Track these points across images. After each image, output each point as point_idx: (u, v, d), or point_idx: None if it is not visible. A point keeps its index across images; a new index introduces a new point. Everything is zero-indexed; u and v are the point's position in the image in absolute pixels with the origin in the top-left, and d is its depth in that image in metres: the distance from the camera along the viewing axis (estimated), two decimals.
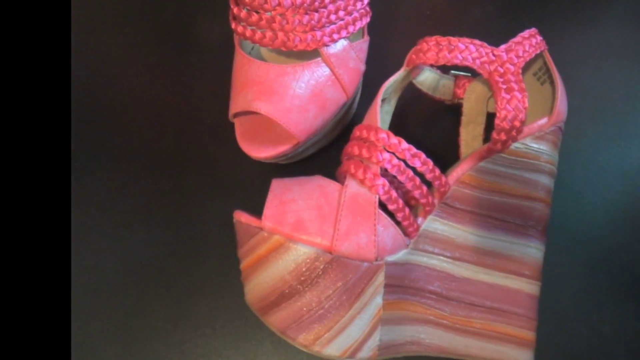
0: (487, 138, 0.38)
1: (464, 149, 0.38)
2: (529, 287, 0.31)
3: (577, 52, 0.41)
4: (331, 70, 0.32)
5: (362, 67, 0.34)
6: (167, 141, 0.40)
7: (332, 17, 0.31)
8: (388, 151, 0.29)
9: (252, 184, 0.38)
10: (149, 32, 0.45)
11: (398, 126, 0.37)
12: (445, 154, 0.38)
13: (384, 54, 0.40)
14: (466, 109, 0.38)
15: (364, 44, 0.34)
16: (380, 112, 0.34)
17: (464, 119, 0.38)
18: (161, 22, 0.45)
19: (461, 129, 0.38)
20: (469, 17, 0.42)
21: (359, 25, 0.32)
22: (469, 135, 0.38)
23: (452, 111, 0.39)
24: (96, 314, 0.35)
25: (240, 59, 0.32)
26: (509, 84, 0.30)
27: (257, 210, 0.31)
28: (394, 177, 0.31)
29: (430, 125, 0.39)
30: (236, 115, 0.33)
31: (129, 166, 0.40)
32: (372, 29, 0.40)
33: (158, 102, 0.42)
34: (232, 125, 0.35)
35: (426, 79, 0.36)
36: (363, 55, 0.34)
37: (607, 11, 0.42)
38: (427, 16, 0.42)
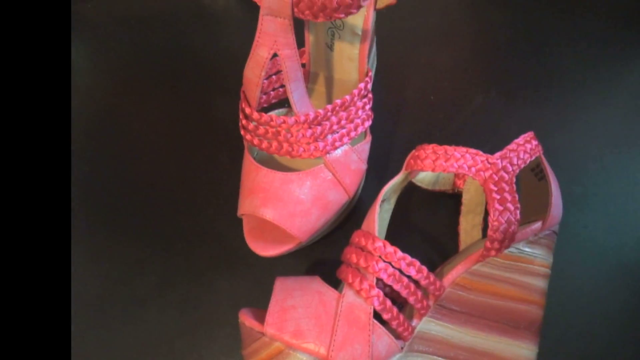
0: (486, 226, 0.39)
1: (463, 237, 0.39)
2: None
3: (579, 139, 0.42)
4: (333, 174, 0.34)
5: (364, 167, 0.36)
6: (181, 219, 0.43)
7: (335, 127, 0.33)
8: (384, 260, 0.31)
9: (259, 261, 0.40)
10: (169, 106, 0.48)
11: (401, 213, 0.39)
12: (445, 242, 0.39)
13: (390, 137, 0.43)
14: (466, 199, 0.39)
15: (365, 145, 0.36)
16: (381, 211, 0.36)
17: (463, 208, 0.39)
18: (180, 97, 0.48)
19: (461, 218, 0.39)
20: (472, 102, 0.44)
21: (360, 130, 0.34)
22: (469, 224, 0.39)
23: (453, 198, 0.40)
24: None
25: (249, 164, 0.34)
26: (503, 194, 0.31)
27: (263, 287, 0.35)
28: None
29: (431, 212, 0.40)
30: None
31: (144, 244, 0.42)
32: (379, 111, 0.42)
33: (174, 178, 0.45)
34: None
35: (425, 176, 0.37)
36: (365, 155, 0.36)
37: (609, 98, 0.43)
38: (431, 101, 0.44)
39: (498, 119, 0.43)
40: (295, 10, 0.27)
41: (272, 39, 0.28)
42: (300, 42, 0.37)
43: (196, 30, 0.52)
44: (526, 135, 0.34)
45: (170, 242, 0.42)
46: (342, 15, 0.27)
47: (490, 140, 0.42)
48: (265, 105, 0.37)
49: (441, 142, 0.42)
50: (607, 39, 0.46)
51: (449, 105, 0.44)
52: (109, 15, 0.55)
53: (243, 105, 0.33)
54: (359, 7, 0.27)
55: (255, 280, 0.39)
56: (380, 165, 0.40)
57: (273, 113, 0.38)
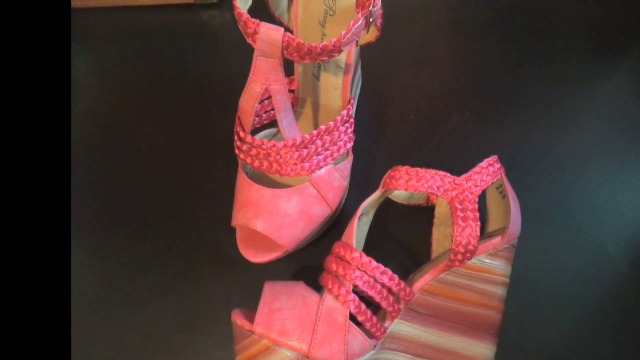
0: None
1: (435, 247, 0.43)
2: None
3: (543, 159, 0.46)
4: (317, 191, 0.38)
5: (345, 184, 0.40)
6: (179, 224, 0.46)
7: (319, 149, 0.37)
8: (360, 269, 0.35)
9: (250, 265, 0.44)
10: (168, 118, 0.52)
11: (379, 224, 0.43)
12: (419, 251, 0.44)
13: (371, 149, 0.47)
14: (438, 212, 0.43)
15: (347, 163, 0.40)
16: (360, 224, 0.40)
17: (435, 221, 0.43)
18: (178, 110, 0.52)
19: (433, 229, 0.43)
20: (448, 121, 0.48)
21: (342, 151, 0.38)
22: (441, 235, 0.43)
23: (427, 211, 0.44)
24: None
25: (242, 180, 0.38)
26: (466, 213, 0.36)
27: (253, 289, 0.39)
28: None
29: (407, 223, 0.44)
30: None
31: (146, 247, 0.46)
32: (362, 129, 0.46)
33: (172, 186, 0.48)
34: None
35: (401, 193, 0.41)
36: (346, 173, 0.40)
37: (573, 123, 0.47)
38: (410, 120, 0.48)
39: (471, 138, 0.47)
40: (285, 52, 0.31)
41: (264, 76, 0.32)
42: (290, 71, 0.41)
43: (194, 46, 0.56)
44: (490, 159, 0.38)
45: (169, 245, 0.45)
46: (326, 58, 0.31)
47: (464, 158, 0.46)
48: (258, 125, 0.41)
49: (418, 159, 0.47)
50: (574, 67, 0.50)
51: (426, 124, 0.48)
52: (113, 28, 0.58)
53: (238, 129, 0.37)
54: (340, 51, 0.31)
55: (246, 283, 0.43)
56: (362, 181, 0.44)
57: (264, 132, 0.42)
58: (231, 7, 0.57)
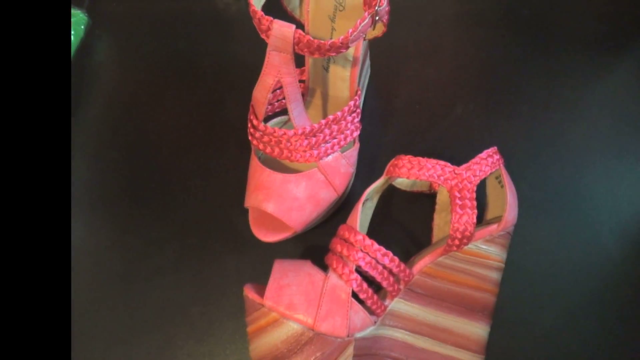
0: None
1: (436, 232, 0.45)
2: (475, 359, 0.39)
3: (543, 150, 0.48)
4: (325, 176, 0.40)
5: (352, 170, 0.43)
6: (195, 204, 0.49)
7: (327, 138, 0.39)
8: (363, 251, 0.37)
9: (261, 244, 0.47)
10: (185, 102, 0.54)
11: (384, 209, 0.46)
12: (421, 235, 0.46)
13: (378, 137, 0.49)
14: (439, 200, 0.45)
15: (354, 151, 0.42)
16: (364, 209, 0.43)
17: (437, 207, 0.46)
18: (195, 95, 0.54)
19: (435, 215, 0.46)
20: (453, 112, 0.50)
21: (349, 139, 0.41)
22: (442, 221, 0.46)
23: (429, 197, 0.47)
24: (129, 345, 0.45)
25: (255, 165, 0.41)
26: (464, 201, 0.38)
27: (263, 266, 0.42)
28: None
29: (409, 209, 0.47)
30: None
31: (165, 224, 0.49)
32: (369, 117, 0.49)
33: (189, 168, 0.51)
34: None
35: (404, 180, 0.44)
36: (353, 160, 0.43)
37: (572, 116, 0.49)
38: (416, 110, 0.50)
39: (474, 129, 0.49)
40: (296, 48, 0.33)
41: (276, 69, 0.34)
42: (301, 63, 0.43)
43: (210, 33, 0.58)
44: (489, 150, 0.40)
45: (186, 224, 0.48)
46: (334, 53, 0.33)
47: (466, 148, 0.48)
48: (270, 113, 0.43)
49: (422, 148, 0.49)
50: (577, 62, 0.51)
51: (431, 114, 0.50)
52: (133, 15, 0.61)
53: (251, 117, 0.40)
54: (348, 47, 0.33)
55: (258, 260, 0.46)
56: (368, 168, 0.47)
57: (276, 119, 0.44)
58: None
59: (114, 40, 0.60)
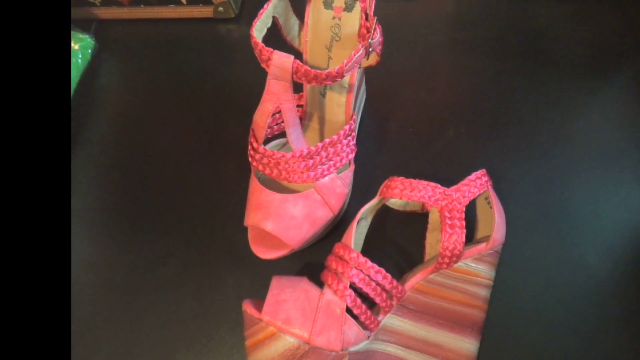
0: None
1: (428, 250, 0.47)
2: None
3: (531, 172, 0.50)
4: (321, 197, 0.42)
5: (347, 191, 0.44)
6: (197, 221, 0.51)
7: (324, 160, 0.41)
8: (357, 268, 0.39)
9: (260, 261, 0.48)
10: (188, 122, 0.56)
11: (378, 228, 0.48)
12: (413, 252, 0.47)
13: (373, 158, 0.51)
14: (431, 219, 0.47)
15: (349, 172, 0.44)
16: (359, 227, 0.45)
17: (429, 226, 0.47)
18: (197, 115, 0.57)
19: (427, 233, 0.47)
20: (444, 135, 0.52)
21: (345, 161, 0.43)
22: (434, 239, 0.47)
23: (422, 217, 0.48)
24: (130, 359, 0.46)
25: (254, 185, 0.43)
26: (453, 221, 0.40)
27: (262, 282, 0.43)
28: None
29: (403, 228, 0.48)
30: None
31: (166, 241, 0.51)
32: (364, 139, 0.51)
33: (191, 186, 0.53)
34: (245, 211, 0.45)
35: (397, 201, 0.45)
36: (348, 181, 0.44)
37: (558, 140, 0.51)
38: (410, 133, 0.52)
39: (465, 151, 0.51)
40: (294, 77, 0.35)
41: (276, 96, 0.36)
42: (300, 88, 0.45)
43: (213, 57, 0.61)
44: (478, 172, 0.42)
45: (187, 241, 0.50)
46: (330, 82, 0.35)
47: (457, 169, 0.50)
48: (269, 136, 0.45)
49: (415, 169, 0.51)
50: (564, 87, 0.53)
51: (424, 137, 0.52)
52: (138, 39, 0.63)
53: (252, 140, 0.42)
54: (343, 76, 0.35)
55: (256, 276, 0.47)
56: (363, 187, 0.49)
57: (275, 141, 0.46)
58: (248, 21, 0.61)
59: (119, 64, 0.62)
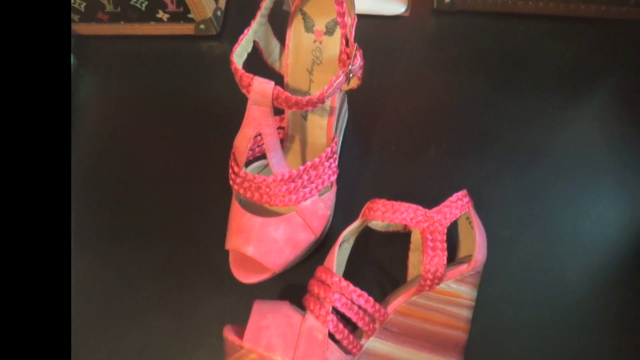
0: None
1: (410, 270, 0.47)
2: None
3: (510, 190, 0.50)
4: (303, 219, 0.42)
5: (329, 213, 0.44)
6: (177, 241, 0.50)
7: (305, 183, 0.41)
8: (339, 292, 0.39)
9: (242, 284, 0.48)
10: (168, 139, 0.56)
11: (360, 249, 0.47)
12: (396, 272, 0.48)
13: (356, 178, 0.51)
14: (414, 239, 0.47)
15: (331, 194, 0.44)
16: (341, 249, 0.44)
17: (412, 246, 0.47)
18: (178, 132, 0.56)
19: (410, 253, 0.47)
20: (426, 153, 0.52)
21: (326, 183, 0.43)
22: (416, 259, 0.47)
23: (404, 236, 0.48)
24: None
25: (235, 209, 0.42)
26: (435, 243, 0.40)
27: (242, 304, 0.43)
28: None
29: (385, 248, 0.48)
30: None
31: (145, 262, 0.50)
32: (347, 158, 0.51)
33: (171, 205, 0.52)
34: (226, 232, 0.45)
35: (378, 222, 0.45)
36: (330, 203, 0.44)
37: (537, 158, 0.51)
38: (392, 151, 0.52)
39: (446, 169, 0.51)
40: (275, 102, 0.35)
41: (256, 121, 0.36)
42: (282, 110, 0.45)
43: (194, 74, 0.60)
44: (459, 193, 0.42)
45: (167, 261, 0.49)
46: (311, 108, 0.35)
47: (439, 187, 0.50)
48: (251, 158, 0.45)
49: (398, 188, 0.51)
50: (543, 106, 0.54)
51: (406, 156, 0.52)
52: (118, 55, 0.62)
53: (232, 164, 0.41)
54: (324, 102, 0.35)
55: (237, 298, 0.47)
56: (346, 208, 0.48)
57: (256, 163, 0.46)
58: (230, 38, 0.61)
59: (98, 80, 0.61)
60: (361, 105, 0.54)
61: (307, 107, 0.35)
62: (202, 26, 0.59)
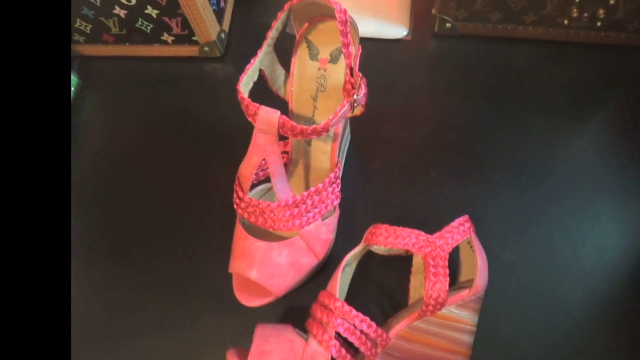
0: None
1: (412, 293, 0.48)
2: None
3: (510, 213, 0.51)
4: (306, 244, 0.42)
5: (332, 237, 0.45)
6: (179, 263, 0.50)
7: (309, 208, 0.41)
8: (342, 317, 0.39)
9: (244, 306, 0.48)
10: (171, 161, 0.56)
11: (362, 271, 0.48)
12: (397, 296, 0.48)
13: (357, 200, 0.51)
14: (415, 262, 0.48)
15: (334, 218, 0.45)
16: (344, 273, 0.45)
17: (413, 269, 0.48)
18: (181, 153, 0.57)
19: (411, 276, 0.48)
20: (427, 176, 0.53)
21: (330, 208, 0.43)
22: (417, 282, 0.48)
23: (406, 260, 0.49)
24: None
25: (239, 232, 0.43)
26: (437, 269, 0.40)
27: (245, 326, 0.43)
28: None
29: (387, 271, 0.49)
30: None
31: (148, 283, 0.50)
32: (349, 181, 0.51)
33: (174, 226, 0.53)
34: (229, 254, 0.45)
35: (380, 247, 0.46)
36: (333, 227, 0.45)
37: (537, 181, 0.52)
38: (394, 174, 0.53)
39: (448, 192, 0.52)
40: (280, 131, 0.36)
41: (262, 149, 0.37)
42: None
43: (197, 95, 0.61)
44: (461, 219, 0.43)
45: (169, 282, 0.50)
46: (315, 137, 0.36)
47: (440, 209, 0.51)
48: (255, 182, 0.45)
49: (399, 211, 0.51)
50: (542, 129, 0.55)
51: (408, 178, 0.53)
52: (122, 76, 0.63)
53: (237, 189, 0.42)
54: (328, 131, 0.36)
55: (239, 320, 0.47)
56: (348, 231, 0.49)
57: (260, 187, 0.47)
58: (233, 59, 0.62)
59: (102, 100, 0.62)
60: (362, 127, 0.55)
61: (312, 135, 0.36)
62: (206, 48, 0.59)
